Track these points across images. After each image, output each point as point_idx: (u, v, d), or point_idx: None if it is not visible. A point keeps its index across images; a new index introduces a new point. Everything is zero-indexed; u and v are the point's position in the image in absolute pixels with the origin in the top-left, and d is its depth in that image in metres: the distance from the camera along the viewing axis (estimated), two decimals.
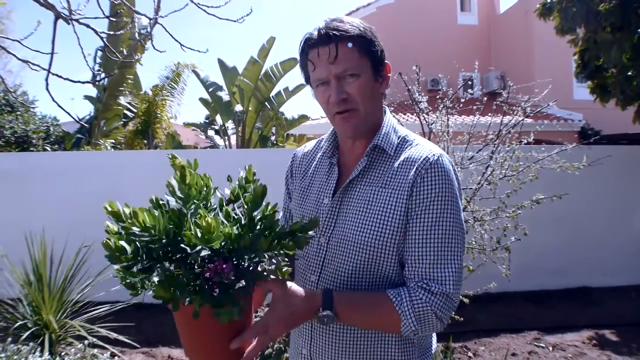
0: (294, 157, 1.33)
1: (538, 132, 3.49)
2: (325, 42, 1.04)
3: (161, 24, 2.22)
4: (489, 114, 3.74)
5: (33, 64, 1.99)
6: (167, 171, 0.96)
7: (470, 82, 4.76)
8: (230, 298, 0.84)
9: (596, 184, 5.24)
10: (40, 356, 2.99)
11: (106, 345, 3.38)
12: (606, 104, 5.72)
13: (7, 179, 5.09)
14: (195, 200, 0.93)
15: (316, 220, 0.96)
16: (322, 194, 1.16)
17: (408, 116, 9.15)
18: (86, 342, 3.27)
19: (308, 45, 1.07)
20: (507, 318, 4.65)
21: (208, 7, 2.17)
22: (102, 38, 2.12)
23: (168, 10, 2.18)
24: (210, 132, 13.19)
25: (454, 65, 5.18)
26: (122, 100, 9.53)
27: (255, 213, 0.90)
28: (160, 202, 0.91)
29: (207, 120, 13.48)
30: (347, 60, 1.04)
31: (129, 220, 0.82)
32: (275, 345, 2.76)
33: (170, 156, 0.94)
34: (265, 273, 0.93)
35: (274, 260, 0.96)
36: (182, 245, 0.83)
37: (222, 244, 0.84)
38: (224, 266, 0.83)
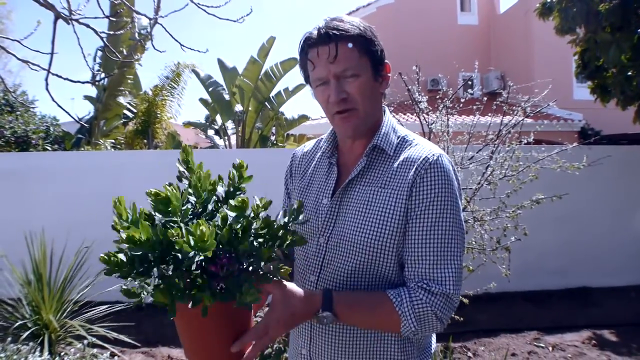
0: (293, 157, 1.33)
1: (538, 132, 3.49)
2: (325, 41, 1.03)
3: (161, 24, 2.22)
4: (489, 114, 3.74)
5: (33, 64, 1.99)
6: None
7: (470, 82, 4.76)
8: (247, 281, 0.84)
9: (596, 184, 5.24)
10: (40, 356, 2.99)
11: (106, 345, 3.38)
12: (606, 104, 5.73)
13: (7, 179, 5.09)
14: (201, 191, 0.93)
15: (301, 203, 0.96)
16: (321, 194, 1.16)
17: (408, 116, 9.15)
18: (86, 341, 3.27)
19: (308, 44, 1.07)
20: (507, 318, 4.65)
21: (208, 7, 2.17)
22: (102, 38, 2.12)
23: (168, 10, 2.19)
24: (210, 132, 13.20)
25: (454, 65, 5.18)
26: (122, 100, 9.52)
27: (248, 213, 0.91)
28: (148, 213, 0.91)
29: (207, 121, 13.48)
30: (347, 60, 1.03)
31: (123, 237, 0.82)
32: (275, 345, 2.76)
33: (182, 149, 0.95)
34: (265, 274, 0.93)
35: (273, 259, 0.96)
36: (176, 254, 0.83)
37: (219, 247, 0.84)
38: (229, 262, 0.83)
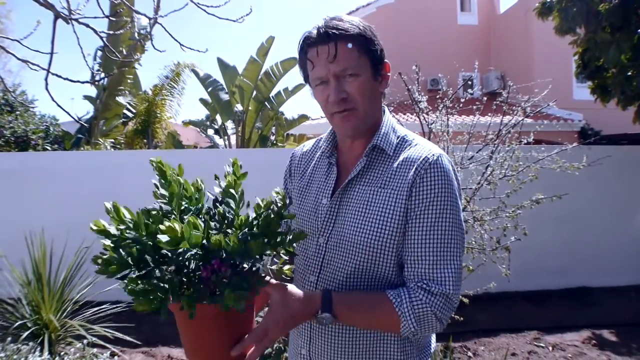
0: (293, 156, 1.33)
1: (538, 132, 3.49)
2: (324, 40, 1.03)
3: (161, 24, 2.22)
4: (489, 114, 3.74)
5: (32, 64, 1.99)
6: None
7: (470, 82, 4.76)
8: (232, 286, 0.84)
9: (596, 184, 5.25)
10: (40, 356, 2.99)
11: (106, 345, 3.38)
12: (606, 104, 5.73)
13: (6, 179, 5.09)
14: (182, 200, 0.93)
15: (284, 194, 0.96)
16: (320, 194, 1.16)
17: (408, 116, 9.15)
18: (86, 341, 3.27)
19: (307, 44, 1.07)
20: (507, 318, 4.65)
21: (208, 6, 2.17)
22: (101, 38, 2.12)
23: (168, 10, 2.19)
24: (210, 132, 13.21)
25: (454, 65, 5.18)
26: (122, 100, 9.52)
27: (240, 207, 0.91)
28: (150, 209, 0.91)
29: (207, 119, 13.48)
30: (347, 59, 1.03)
31: (111, 215, 0.82)
32: (275, 345, 2.76)
33: (153, 159, 0.95)
34: (265, 275, 0.93)
35: (275, 260, 0.96)
36: (163, 251, 0.83)
37: (207, 245, 0.83)
38: (222, 267, 0.82)
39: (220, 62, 10.69)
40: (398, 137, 1.13)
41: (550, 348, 4.03)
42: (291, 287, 0.98)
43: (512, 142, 3.29)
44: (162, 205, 0.94)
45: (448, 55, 8.24)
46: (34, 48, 1.94)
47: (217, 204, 0.97)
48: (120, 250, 0.83)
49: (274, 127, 12.36)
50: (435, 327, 1.00)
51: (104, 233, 0.84)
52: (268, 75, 10.30)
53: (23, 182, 5.11)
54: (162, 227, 0.79)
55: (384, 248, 1.04)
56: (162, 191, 0.93)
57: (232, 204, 0.94)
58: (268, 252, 0.90)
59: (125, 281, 0.83)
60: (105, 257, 0.82)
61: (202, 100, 11.47)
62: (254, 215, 0.91)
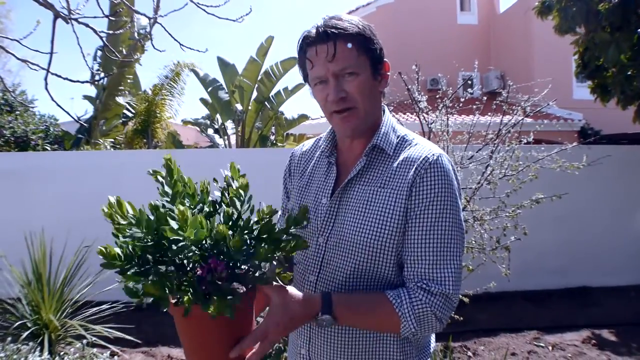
0: (292, 156, 1.32)
1: (538, 132, 3.49)
2: (323, 40, 1.02)
3: (160, 24, 2.22)
4: (489, 114, 3.74)
5: (32, 64, 1.99)
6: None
7: (470, 82, 4.76)
8: (222, 293, 0.84)
9: (596, 184, 5.24)
10: (40, 355, 2.99)
11: (106, 345, 3.37)
12: (606, 103, 5.73)
13: (6, 179, 5.09)
14: (184, 199, 0.93)
15: (306, 210, 0.96)
16: (320, 194, 1.16)
17: (408, 116, 9.15)
18: (85, 341, 3.27)
19: (306, 43, 1.06)
20: (507, 318, 4.65)
21: (207, 6, 2.17)
22: (101, 37, 2.11)
23: (167, 9, 2.19)
24: (210, 132, 13.21)
25: (454, 65, 5.18)
26: (122, 99, 9.52)
27: (244, 209, 0.91)
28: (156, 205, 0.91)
29: (207, 118, 13.48)
30: (346, 59, 1.03)
31: (114, 210, 0.83)
32: (275, 345, 2.76)
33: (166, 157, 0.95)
34: (265, 278, 0.93)
35: (274, 263, 0.95)
36: (163, 242, 0.83)
37: (209, 242, 0.83)
38: (218, 266, 0.82)
39: (220, 60, 10.69)
40: (398, 137, 1.13)
41: (550, 348, 4.03)
42: (291, 289, 0.98)
43: (512, 142, 3.29)
44: (165, 204, 0.94)
45: (448, 55, 8.24)
46: (33, 48, 1.94)
47: (221, 204, 0.97)
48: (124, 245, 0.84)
49: (273, 127, 12.36)
50: (435, 327, 1.00)
51: (111, 216, 0.86)
52: (268, 75, 10.30)
53: (23, 182, 5.11)
54: (175, 211, 0.80)
55: (384, 248, 1.04)
56: (167, 189, 0.94)
57: (238, 204, 0.94)
58: (269, 255, 0.90)
59: (126, 283, 0.83)
60: (110, 251, 0.83)
61: (203, 100, 11.47)
62: (255, 219, 0.91)
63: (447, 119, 3.33)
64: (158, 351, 3.93)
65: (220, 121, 11.47)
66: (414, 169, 1.03)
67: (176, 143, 10.97)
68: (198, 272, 0.83)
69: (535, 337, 4.21)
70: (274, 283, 0.98)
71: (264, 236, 0.90)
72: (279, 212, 1.14)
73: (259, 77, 10.24)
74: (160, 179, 0.96)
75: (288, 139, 12.34)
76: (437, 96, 3.45)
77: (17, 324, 3.26)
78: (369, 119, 1.10)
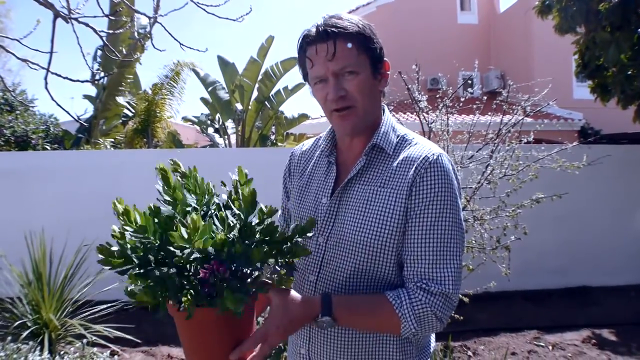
0: (292, 155, 1.32)
1: (538, 132, 3.49)
2: (323, 39, 1.02)
3: (160, 23, 2.22)
4: (489, 113, 3.74)
5: (32, 63, 1.98)
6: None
7: (470, 81, 4.76)
8: (230, 289, 0.84)
9: (596, 184, 5.24)
10: (40, 355, 2.99)
11: (106, 344, 3.38)
12: (606, 103, 5.73)
13: (6, 179, 5.09)
14: (186, 205, 0.93)
15: (313, 221, 0.95)
16: (320, 193, 1.16)
17: (408, 115, 9.15)
18: (85, 340, 3.27)
19: (306, 42, 1.06)
20: (507, 317, 4.65)
21: (207, 6, 2.17)
22: (101, 37, 2.11)
23: (167, 9, 2.19)
24: (210, 131, 13.21)
25: (454, 65, 5.18)
26: (122, 99, 9.52)
27: (250, 218, 0.90)
28: (157, 207, 0.91)
29: (207, 117, 13.48)
30: (346, 58, 1.02)
31: (121, 218, 0.82)
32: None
33: (171, 161, 0.95)
34: (266, 283, 0.93)
35: (277, 267, 0.95)
36: (171, 248, 0.83)
37: (213, 248, 0.83)
38: (220, 267, 0.82)
39: (221, 59, 10.69)
40: (398, 136, 1.12)
41: (550, 347, 4.03)
42: (291, 291, 0.98)
43: (512, 142, 3.29)
44: (166, 208, 0.93)
45: (448, 55, 8.23)
46: (33, 47, 1.94)
47: (223, 209, 0.96)
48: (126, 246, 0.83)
49: (274, 126, 12.36)
50: (436, 326, 1.00)
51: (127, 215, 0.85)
52: (268, 75, 10.31)
53: (23, 182, 5.11)
54: (188, 219, 0.79)
55: (384, 247, 1.03)
56: (166, 197, 0.93)
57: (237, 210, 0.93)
58: (269, 260, 0.89)
59: (127, 286, 0.83)
60: (110, 249, 0.82)
61: (203, 100, 11.48)
62: (257, 220, 0.91)
63: (447, 119, 3.33)
64: (158, 350, 3.93)
65: (220, 121, 11.47)
66: (413, 169, 1.03)
67: (176, 142, 10.97)
68: (200, 275, 0.82)
69: (535, 337, 4.21)
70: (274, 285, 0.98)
71: (266, 239, 0.89)
72: (279, 212, 1.14)
73: (259, 77, 10.25)
74: (158, 187, 0.95)
75: (288, 139, 12.33)
76: (437, 96, 3.45)
77: (17, 323, 3.26)
78: (367, 117, 1.10)
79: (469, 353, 3.89)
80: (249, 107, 10.55)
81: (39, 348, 3.08)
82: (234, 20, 2.30)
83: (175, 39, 2.24)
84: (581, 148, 3.70)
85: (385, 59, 1.11)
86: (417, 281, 1.00)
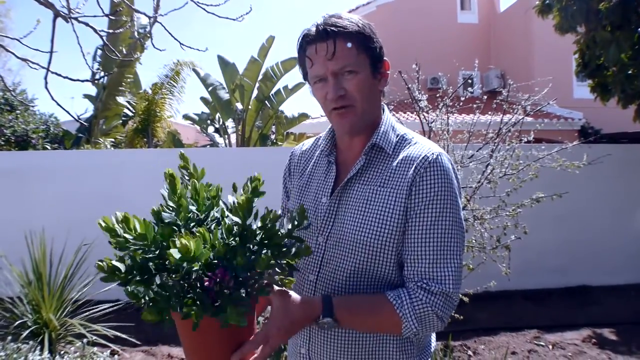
0: (292, 155, 1.32)
1: (538, 131, 3.49)
2: (323, 38, 1.02)
3: (160, 23, 2.22)
4: (489, 113, 3.74)
5: (32, 63, 1.99)
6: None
7: (470, 81, 4.76)
8: (233, 302, 0.83)
9: (596, 183, 5.24)
10: (40, 355, 2.99)
11: (106, 344, 3.38)
12: (607, 102, 5.73)
13: (7, 178, 5.09)
14: (189, 212, 0.92)
15: (304, 209, 0.95)
16: (320, 193, 1.16)
17: (408, 115, 9.15)
18: (86, 340, 3.27)
19: (306, 41, 1.06)
20: (507, 317, 4.65)
21: (207, 5, 2.17)
22: (101, 37, 2.11)
23: (167, 8, 2.19)
24: (210, 130, 13.21)
25: (454, 64, 5.19)
26: (122, 99, 9.52)
27: (249, 222, 0.89)
28: (159, 211, 0.90)
29: (207, 116, 13.48)
30: (345, 57, 1.02)
31: (120, 225, 0.82)
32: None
33: (180, 157, 0.94)
34: (267, 285, 0.92)
35: (277, 269, 0.95)
36: (167, 264, 0.82)
37: (214, 257, 0.83)
38: (225, 276, 0.82)
39: (221, 59, 10.69)
40: (397, 136, 1.12)
41: (551, 347, 4.03)
42: (291, 294, 0.98)
43: (512, 141, 3.29)
44: (169, 214, 0.93)
45: (448, 54, 8.24)
46: (33, 47, 1.94)
47: (225, 217, 0.96)
48: (124, 255, 0.83)
49: (274, 126, 12.36)
50: (437, 326, 1.00)
51: (111, 231, 0.83)
52: (268, 75, 10.32)
53: (23, 182, 5.11)
54: (177, 243, 0.78)
55: (384, 247, 1.03)
56: (171, 203, 0.92)
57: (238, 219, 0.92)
58: (271, 262, 0.89)
59: (129, 287, 0.83)
60: (110, 263, 0.82)
61: (203, 99, 11.48)
62: (259, 224, 0.90)
63: (448, 118, 3.33)
64: (158, 350, 3.93)
65: (220, 120, 11.47)
66: (413, 168, 1.03)
67: (176, 142, 10.98)
68: (205, 283, 0.82)
69: (536, 336, 4.22)
70: (276, 288, 0.98)
71: (266, 242, 0.89)
72: (279, 212, 1.14)
73: (260, 77, 10.25)
74: (163, 192, 0.94)
75: (288, 138, 12.34)
76: (438, 95, 3.45)
77: (17, 323, 3.26)
78: (366, 117, 1.09)
79: (469, 352, 3.89)
80: (249, 107, 10.56)
81: (39, 348, 3.08)
82: (234, 19, 2.30)
83: (175, 39, 2.25)
84: (581, 147, 3.70)
85: (385, 58, 1.11)
86: (417, 281, 1.00)
